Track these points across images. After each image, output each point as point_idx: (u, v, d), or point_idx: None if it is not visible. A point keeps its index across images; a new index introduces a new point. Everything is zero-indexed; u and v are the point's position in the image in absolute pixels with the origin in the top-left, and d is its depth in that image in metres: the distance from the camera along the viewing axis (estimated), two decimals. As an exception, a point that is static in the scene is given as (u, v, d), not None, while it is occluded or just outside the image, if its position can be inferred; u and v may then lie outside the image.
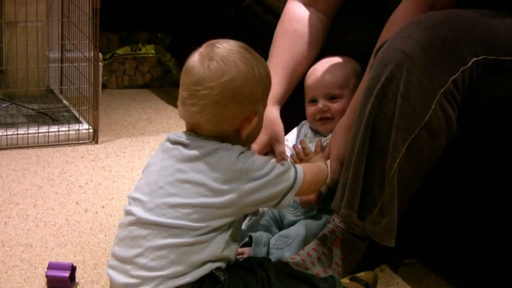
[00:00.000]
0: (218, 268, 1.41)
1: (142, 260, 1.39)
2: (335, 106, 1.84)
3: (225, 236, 1.42)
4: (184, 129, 1.49)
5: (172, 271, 1.38)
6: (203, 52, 1.44)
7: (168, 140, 1.47)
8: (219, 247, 1.41)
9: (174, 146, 1.45)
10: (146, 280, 1.38)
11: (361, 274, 1.66)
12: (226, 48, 1.43)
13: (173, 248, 1.38)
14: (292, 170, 1.46)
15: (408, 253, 1.83)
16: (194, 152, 1.42)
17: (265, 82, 1.47)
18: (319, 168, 1.56)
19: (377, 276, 1.71)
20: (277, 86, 1.86)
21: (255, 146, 1.83)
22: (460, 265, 1.71)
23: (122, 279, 1.41)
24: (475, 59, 1.57)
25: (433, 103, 1.54)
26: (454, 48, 1.56)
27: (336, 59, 1.88)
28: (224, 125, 1.43)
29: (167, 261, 1.38)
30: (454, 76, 1.54)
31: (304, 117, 1.92)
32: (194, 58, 1.44)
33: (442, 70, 1.54)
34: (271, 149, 1.86)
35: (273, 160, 1.56)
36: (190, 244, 1.38)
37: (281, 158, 1.82)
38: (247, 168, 1.41)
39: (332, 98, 1.85)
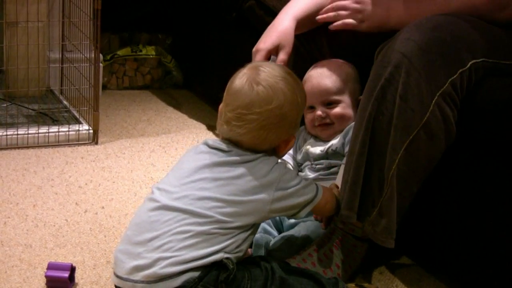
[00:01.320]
0: (228, 258, 1.45)
1: (157, 243, 1.43)
2: (334, 111, 1.85)
3: (244, 235, 1.48)
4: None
5: (187, 255, 1.41)
6: (249, 75, 1.51)
7: (206, 144, 1.53)
8: (235, 243, 1.46)
9: (212, 150, 1.52)
10: (158, 260, 1.41)
11: (366, 284, 1.67)
12: (272, 73, 1.51)
13: (194, 235, 1.42)
14: (314, 186, 1.56)
15: (407, 255, 1.83)
16: (233, 158, 1.50)
17: (303, 106, 1.56)
18: (333, 194, 1.64)
19: (374, 277, 1.71)
20: (301, 4, 1.86)
21: (263, 45, 1.83)
22: (459, 267, 1.71)
23: (132, 262, 1.43)
24: (474, 61, 1.57)
25: (431, 104, 1.54)
26: (452, 50, 1.56)
27: (330, 64, 1.88)
28: (265, 145, 1.52)
29: (185, 244, 1.42)
30: (452, 78, 1.55)
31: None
32: (242, 81, 1.50)
33: (441, 72, 1.55)
34: (275, 53, 1.84)
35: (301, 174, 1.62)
36: (212, 233, 1.43)
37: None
38: (279, 177, 1.49)
39: (329, 104, 1.85)
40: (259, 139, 1.49)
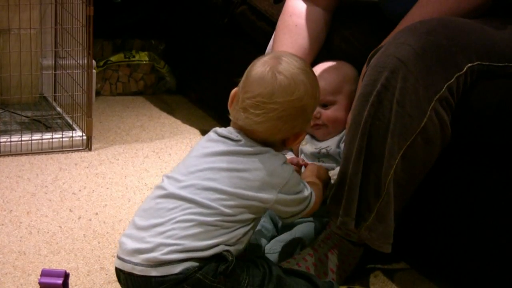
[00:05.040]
0: (227, 250, 1.45)
1: (161, 229, 1.44)
2: (327, 113, 1.85)
3: (245, 229, 1.48)
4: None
5: (189, 244, 1.42)
6: (271, 64, 1.49)
7: (216, 132, 1.53)
8: (236, 236, 1.47)
9: (222, 138, 1.51)
10: (160, 245, 1.42)
11: (357, 287, 1.67)
12: (294, 64, 1.50)
13: (197, 224, 1.43)
14: (311, 197, 1.56)
15: (402, 259, 1.83)
16: (242, 148, 1.49)
17: (318, 101, 1.57)
18: (320, 191, 1.63)
19: (368, 280, 1.71)
20: None
21: None
22: (454, 271, 1.71)
23: (134, 244, 1.45)
24: (469, 65, 1.57)
25: (429, 109, 1.54)
26: (448, 54, 1.56)
27: (329, 64, 1.89)
28: (277, 136, 1.51)
29: (187, 233, 1.42)
30: (449, 83, 1.55)
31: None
32: (263, 69, 1.49)
33: (437, 76, 1.55)
34: None
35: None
36: (214, 225, 1.44)
37: None
38: (288, 179, 1.50)
39: (324, 105, 1.85)
40: (274, 129, 1.49)
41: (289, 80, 1.48)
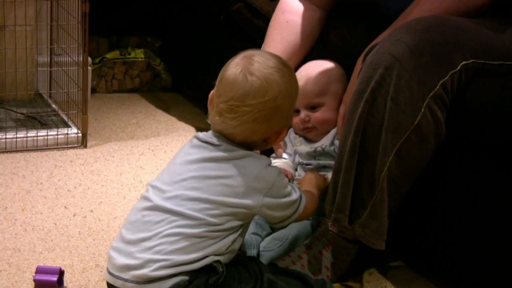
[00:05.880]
0: (217, 261, 1.44)
1: (148, 244, 1.42)
2: (316, 115, 1.85)
3: (234, 236, 1.47)
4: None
5: (177, 259, 1.41)
6: (243, 65, 1.47)
7: (197, 137, 1.51)
8: (225, 245, 1.45)
9: (204, 144, 1.49)
10: (149, 261, 1.41)
11: (350, 283, 1.66)
12: (266, 64, 1.47)
13: (184, 238, 1.41)
14: (300, 200, 1.54)
15: (397, 256, 1.83)
16: (224, 154, 1.47)
17: (296, 97, 1.53)
18: (315, 199, 1.62)
19: (363, 278, 1.72)
20: None
21: None
22: (449, 268, 1.71)
23: (123, 260, 1.43)
24: (464, 62, 1.57)
25: (423, 106, 1.54)
26: (443, 52, 1.56)
27: (313, 66, 1.89)
28: (256, 137, 1.49)
29: (175, 248, 1.41)
30: (443, 80, 1.55)
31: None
32: (236, 71, 1.46)
33: (432, 74, 1.55)
34: None
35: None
36: (202, 236, 1.42)
37: (278, 144, 1.88)
38: (273, 182, 1.47)
39: (313, 107, 1.85)
40: (251, 131, 1.47)
41: (261, 81, 1.45)
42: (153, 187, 1.49)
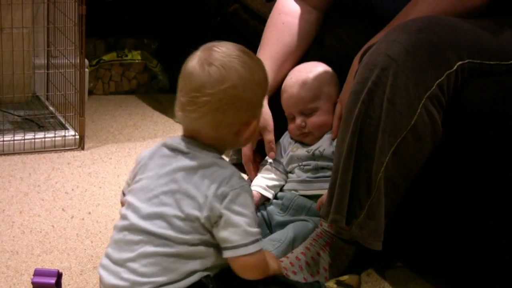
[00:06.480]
0: (207, 276, 1.40)
1: (133, 265, 1.39)
2: (311, 120, 1.86)
3: (218, 248, 1.40)
4: (178, 134, 1.47)
5: (162, 279, 1.37)
6: (202, 56, 1.42)
7: (166, 146, 1.45)
8: (210, 259, 1.40)
9: (172, 153, 1.44)
10: (136, 284, 1.38)
11: (346, 278, 1.66)
12: (225, 52, 1.42)
13: (164, 257, 1.38)
14: (258, 239, 1.41)
15: (395, 257, 1.83)
16: (190, 163, 1.41)
17: (264, 85, 1.46)
18: (270, 265, 1.48)
19: (361, 279, 1.71)
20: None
21: (246, 149, 1.85)
22: (447, 269, 1.71)
23: (112, 280, 1.41)
24: (460, 62, 1.57)
25: (419, 107, 1.54)
26: (439, 52, 1.56)
27: (304, 71, 1.90)
28: (224, 130, 1.41)
29: (158, 268, 1.38)
30: (440, 80, 1.55)
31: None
32: (193, 63, 1.42)
33: (428, 74, 1.55)
34: (260, 137, 1.90)
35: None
36: (180, 254, 1.38)
37: (270, 146, 1.89)
38: (230, 193, 1.38)
39: (307, 113, 1.86)
40: (215, 123, 1.39)
41: (218, 69, 1.38)
42: (130, 204, 1.44)
